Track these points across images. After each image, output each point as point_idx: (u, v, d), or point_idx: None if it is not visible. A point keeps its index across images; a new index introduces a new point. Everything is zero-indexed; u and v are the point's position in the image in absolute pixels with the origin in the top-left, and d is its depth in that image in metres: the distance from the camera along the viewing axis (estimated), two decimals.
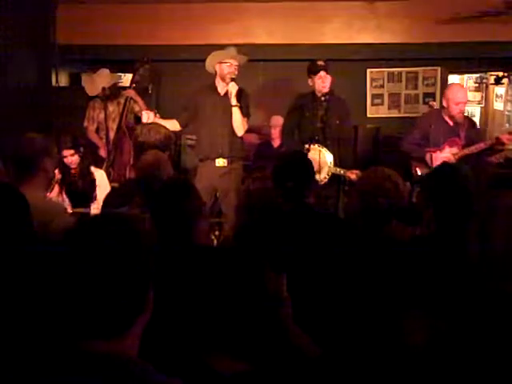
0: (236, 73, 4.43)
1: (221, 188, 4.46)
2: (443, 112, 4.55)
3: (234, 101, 4.36)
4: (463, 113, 4.55)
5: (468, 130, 4.53)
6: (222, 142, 4.41)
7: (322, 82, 4.42)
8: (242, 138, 4.53)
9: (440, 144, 4.45)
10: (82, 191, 3.28)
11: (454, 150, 4.45)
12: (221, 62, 4.45)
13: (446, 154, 4.42)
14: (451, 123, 4.54)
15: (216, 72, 4.50)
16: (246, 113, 4.46)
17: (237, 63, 4.46)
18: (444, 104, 4.54)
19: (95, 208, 3.77)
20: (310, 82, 4.53)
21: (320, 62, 4.47)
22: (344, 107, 4.61)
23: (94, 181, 3.86)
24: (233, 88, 4.36)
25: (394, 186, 2.42)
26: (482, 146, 4.42)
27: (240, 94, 4.42)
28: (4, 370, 1.21)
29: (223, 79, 4.45)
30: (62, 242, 1.10)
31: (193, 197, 2.26)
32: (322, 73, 4.43)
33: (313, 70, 4.46)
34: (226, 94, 4.44)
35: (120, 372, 1.03)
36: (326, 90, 4.41)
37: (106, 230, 1.11)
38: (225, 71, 4.42)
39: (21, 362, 1.13)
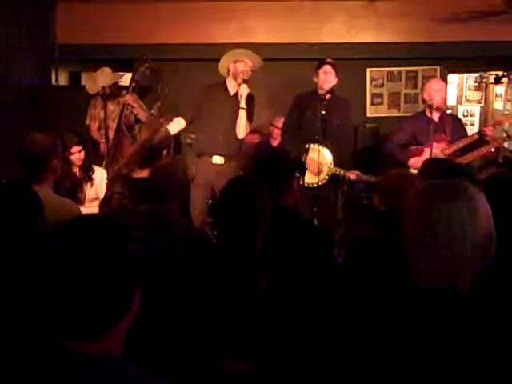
0: (250, 74, 4.42)
1: (217, 185, 4.47)
2: (426, 110, 4.51)
3: (243, 103, 4.36)
4: (446, 100, 4.59)
5: (453, 125, 4.56)
6: (222, 140, 4.41)
7: (326, 77, 4.42)
8: (242, 138, 4.53)
9: (427, 141, 4.40)
10: (65, 192, 3.25)
11: (442, 145, 4.46)
12: (236, 61, 4.45)
13: (434, 151, 4.39)
14: (436, 119, 4.52)
15: (229, 71, 4.50)
16: (250, 117, 4.47)
17: (251, 63, 4.46)
18: (426, 98, 4.52)
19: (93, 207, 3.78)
20: (315, 78, 4.52)
21: (328, 60, 4.50)
22: (346, 107, 4.60)
23: (78, 182, 3.84)
24: (244, 90, 4.36)
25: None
26: (468, 140, 4.45)
27: (249, 98, 4.42)
28: None
29: (235, 78, 4.44)
30: (47, 241, 1.10)
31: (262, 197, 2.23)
32: (328, 67, 4.42)
33: (319, 64, 4.48)
34: (236, 94, 4.44)
35: (102, 372, 1.03)
36: (330, 85, 4.40)
37: (90, 232, 1.11)
38: (239, 69, 4.42)
39: (4, 362, 1.13)
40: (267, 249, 2.23)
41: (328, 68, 4.42)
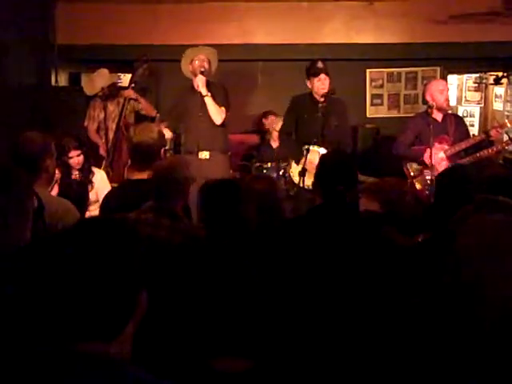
0: (206, 66, 4.61)
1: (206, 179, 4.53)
2: (429, 110, 4.44)
3: (203, 91, 4.53)
4: (448, 101, 4.56)
5: (456, 125, 4.54)
6: (204, 135, 4.57)
7: (322, 84, 4.43)
8: (224, 131, 4.67)
9: (430, 142, 4.33)
10: (75, 196, 3.25)
11: (444, 146, 4.45)
12: (191, 61, 4.64)
13: (437, 151, 4.39)
14: (439, 120, 4.51)
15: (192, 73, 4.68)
16: (222, 102, 4.59)
17: (204, 57, 4.65)
18: (429, 99, 4.50)
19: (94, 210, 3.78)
20: (308, 83, 4.53)
21: (319, 65, 4.47)
22: (342, 108, 4.60)
23: (87, 187, 3.86)
24: (199, 80, 4.53)
25: (412, 199, 2.51)
26: (471, 141, 4.45)
27: (209, 85, 4.57)
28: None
29: (195, 75, 4.61)
30: (52, 244, 1.11)
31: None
32: (322, 75, 4.43)
33: (312, 72, 4.46)
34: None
35: (111, 374, 1.03)
36: (325, 91, 4.42)
37: (95, 234, 1.12)
38: (195, 66, 4.61)
39: (15, 363, 1.13)
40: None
41: (322, 76, 4.43)
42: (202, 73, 4.54)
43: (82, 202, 3.42)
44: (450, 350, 1.27)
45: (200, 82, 4.53)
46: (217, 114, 4.55)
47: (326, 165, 2.63)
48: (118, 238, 1.13)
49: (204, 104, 4.54)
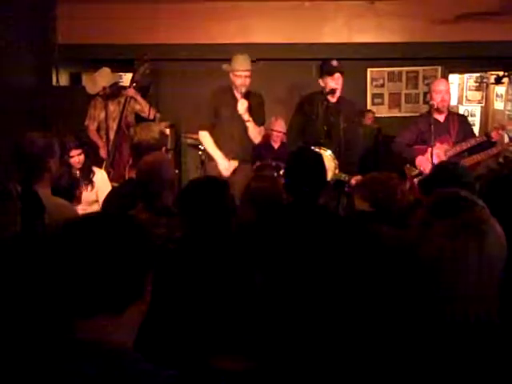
0: (247, 83, 4.39)
1: (232, 187, 4.46)
2: (432, 110, 4.38)
3: (246, 117, 4.39)
4: (447, 102, 4.53)
5: (459, 125, 4.53)
6: (235, 145, 4.45)
7: (336, 84, 4.37)
8: (251, 141, 4.56)
9: (432, 142, 4.28)
10: (63, 189, 3.22)
11: (445, 146, 4.43)
12: (233, 73, 4.42)
13: (437, 151, 4.38)
14: (442, 120, 4.49)
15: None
16: (260, 120, 4.50)
17: (247, 72, 4.41)
18: (429, 98, 4.52)
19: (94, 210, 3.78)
20: (321, 82, 4.44)
21: (334, 63, 4.40)
22: (352, 110, 4.53)
23: (77, 180, 3.83)
24: (242, 105, 4.35)
25: (402, 192, 2.49)
26: (472, 142, 4.44)
27: (249, 96, 4.42)
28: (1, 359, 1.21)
29: (236, 89, 4.42)
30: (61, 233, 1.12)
31: (229, 195, 2.28)
32: (337, 74, 4.38)
33: (327, 71, 4.37)
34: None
35: (113, 361, 1.03)
36: (339, 90, 4.38)
37: (103, 223, 1.14)
38: (237, 82, 4.39)
39: (17, 350, 1.14)
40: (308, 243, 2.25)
41: (337, 75, 4.38)
42: (242, 94, 4.35)
43: (70, 195, 3.36)
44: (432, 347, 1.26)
45: (242, 108, 4.36)
46: (257, 135, 4.51)
47: (290, 165, 2.60)
48: (124, 225, 1.15)
49: (237, 112, 4.37)
